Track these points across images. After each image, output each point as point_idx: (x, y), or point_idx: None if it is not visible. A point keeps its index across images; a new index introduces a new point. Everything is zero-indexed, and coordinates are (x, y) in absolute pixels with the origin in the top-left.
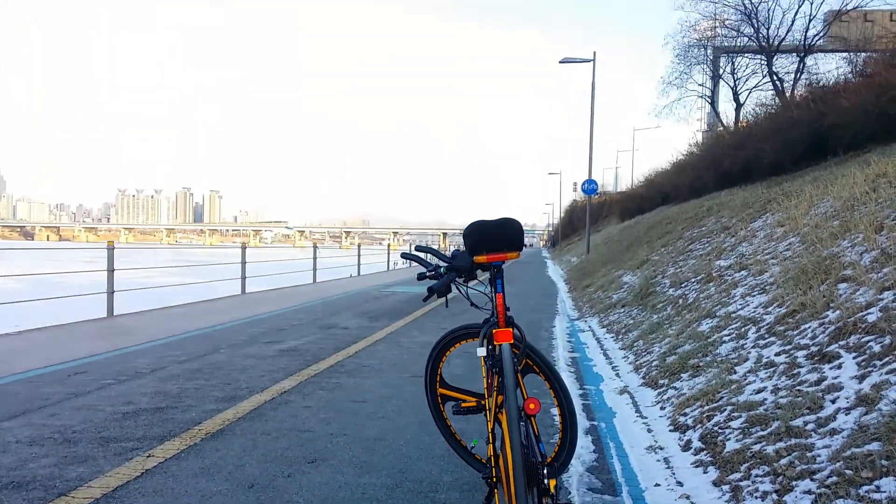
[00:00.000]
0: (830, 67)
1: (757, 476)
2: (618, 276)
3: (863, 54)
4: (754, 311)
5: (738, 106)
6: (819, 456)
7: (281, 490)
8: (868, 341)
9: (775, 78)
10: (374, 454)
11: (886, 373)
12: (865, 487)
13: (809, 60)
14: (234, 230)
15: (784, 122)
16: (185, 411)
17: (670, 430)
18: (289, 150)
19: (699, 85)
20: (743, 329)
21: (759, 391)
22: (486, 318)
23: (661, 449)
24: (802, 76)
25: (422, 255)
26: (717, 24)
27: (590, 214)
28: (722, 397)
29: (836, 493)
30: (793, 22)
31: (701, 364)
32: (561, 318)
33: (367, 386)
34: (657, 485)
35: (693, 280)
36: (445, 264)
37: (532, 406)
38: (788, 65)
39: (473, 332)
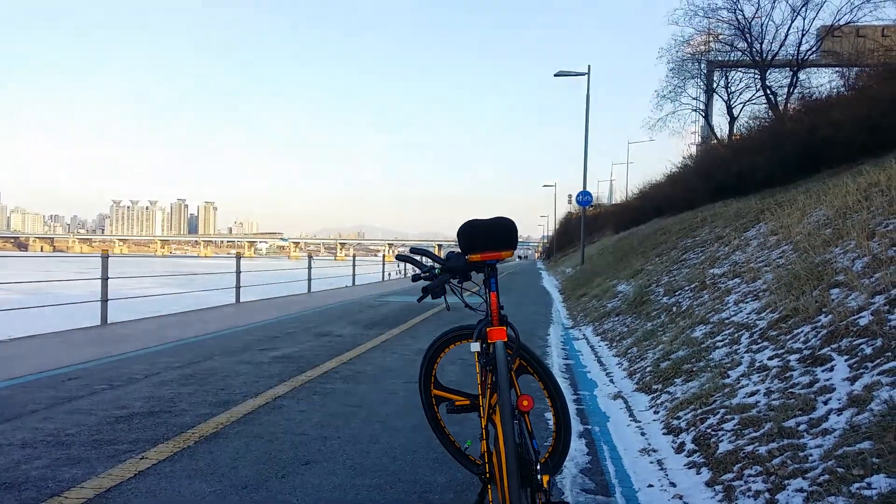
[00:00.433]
0: (823, 81)
1: (749, 476)
2: (612, 286)
3: (855, 68)
4: (747, 317)
5: (732, 119)
6: (811, 455)
7: (274, 491)
8: (860, 344)
9: (769, 92)
10: (367, 456)
11: (878, 374)
12: (857, 485)
13: (802, 75)
14: (228, 241)
15: (777, 134)
16: (179, 415)
17: (664, 434)
18: (285, 162)
19: (693, 98)
20: (736, 335)
21: (751, 394)
22: (480, 320)
23: (655, 451)
24: (795, 90)
25: (417, 256)
26: (711, 38)
27: (584, 226)
28: (715, 400)
29: (828, 490)
30: (786, 37)
31: (694, 369)
32: (555, 326)
33: (361, 391)
34: (650, 485)
35: (687, 288)
36: (440, 266)
37: (525, 403)
38: (782, 79)
39: (468, 333)
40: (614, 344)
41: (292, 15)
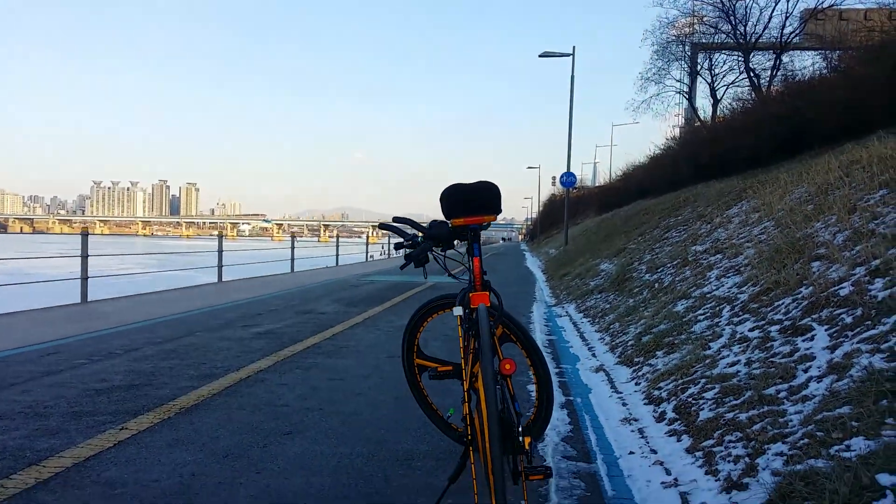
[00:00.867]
0: (807, 64)
1: (730, 441)
2: (595, 265)
3: (838, 51)
4: (729, 291)
5: (716, 102)
6: (791, 421)
7: (256, 459)
8: (840, 314)
9: (752, 74)
10: (350, 427)
11: (858, 342)
12: (836, 447)
13: (786, 57)
14: (211, 223)
15: (760, 116)
16: (159, 388)
17: (645, 404)
18: (267, 143)
19: (677, 81)
20: (717, 308)
21: (732, 364)
22: (463, 288)
23: (636, 420)
24: (779, 72)
25: (399, 225)
26: (695, 21)
27: (568, 207)
28: (696, 371)
29: (808, 453)
30: (769, 19)
31: (676, 342)
32: (538, 304)
33: (343, 365)
34: (631, 452)
35: (669, 265)
36: (422, 234)
37: (508, 367)
38: (765, 61)
39: (450, 302)
40: (597, 320)
41: None
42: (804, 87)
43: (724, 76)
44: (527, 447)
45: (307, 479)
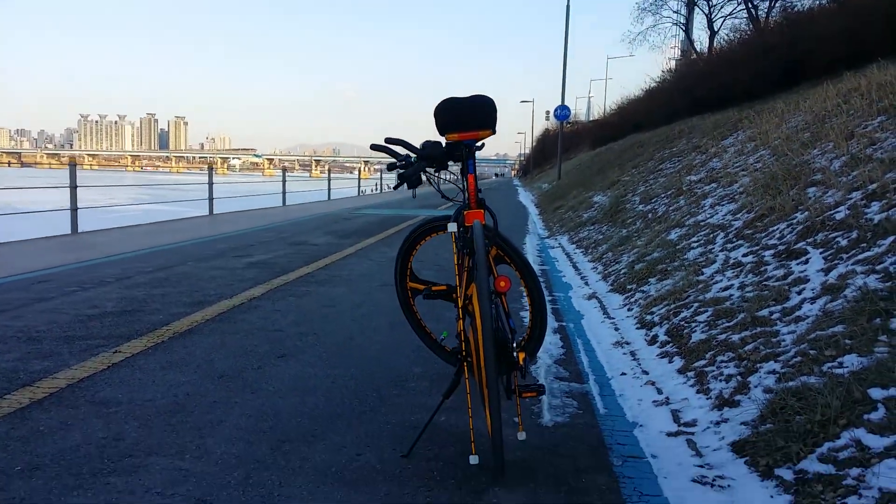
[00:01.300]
0: None
1: (722, 362)
2: (588, 198)
3: None
4: (723, 219)
5: (713, 34)
6: (784, 341)
7: (250, 380)
8: (836, 237)
9: (750, 5)
10: (344, 351)
11: (853, 264)
12: (829, 364)
13: None
14: (201, 157)
15: (758, 48)
16: (152, 314)
17: (637, 328)
18: (258, 75)
19: (674, 12)
20: (711, 235)
21: (725, 288)
22: (458, 207)
23: (628, 344)
24: (777, 3)
25: (393, 147)
26: None
27: (561, 141)
28: (689, 296)
29: (801, 371)
30: None
31: (669, 269)
32: (531, 236)
33: (337, 293)
34: (623, 374)
35: (663, 195)
36: (416, 154)
37: (503, 284)
38: None
39: (444, 223)
40: (589, 251)
41: None
42: (802, 17)
43: (721, 7)
44: (521, 363)
45: (301, 398)
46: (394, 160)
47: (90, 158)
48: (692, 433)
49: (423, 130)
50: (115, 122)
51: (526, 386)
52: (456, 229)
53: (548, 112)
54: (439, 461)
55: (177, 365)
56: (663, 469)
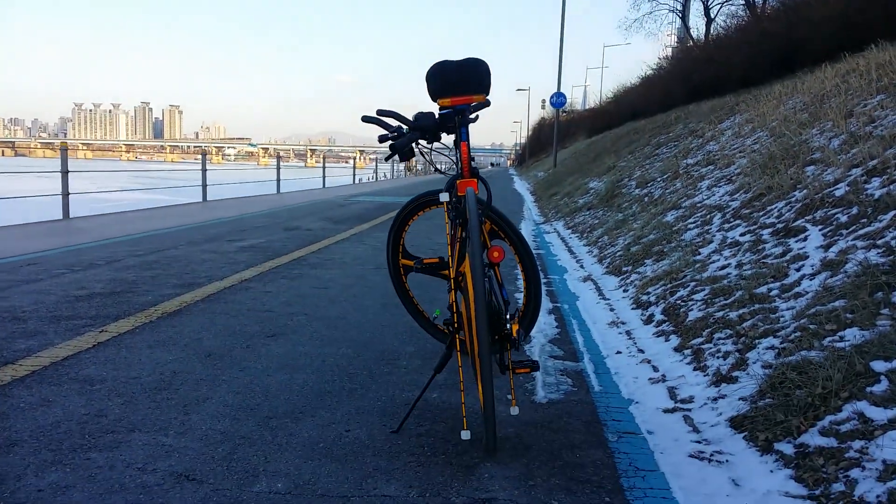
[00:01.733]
0: None
1: (719, 339)
2: (584, 184)
3: None
4: (720, 200)
5: (709, 20)
6: (783, 317)
7: (239, 359)
8: (835, 213)
9: None
10: (335, 330)
11: (853, 239)
12: (829, 339)
13: None
14: (195, 146)
15: (754, 35)
16: (142, 295)
17: (632, 308)
18: (253, 65)
19: None
20: (708, 216)
21: (723, 267)
22: (451, 176)
23: (623, 323)
24: None
25: (385, 119)
26: None
27: (558, 128)
28: (685, 276)
29: (800, 346)
30: None
31: (665, 250)
32: (527, 222)
33: (329, 276)
34: (618, 352)
35: (659, 179)
36: (407, 126)
37: (497, 254)
38: None
39: (437, 198)
40: (585, 235)
41: None
42: (798, 4)
43: None
44: (514, 335)
45: (290, 376)
46: (385, 132)
47: (84, 147)
48: (689, 409)
49: (422, 107)
50: (110, 111)
51: (520, 362)
52: (448, 199)
53: (543, 100)
54: (430, 437)
55: (164, 344)
56: (659, 445)
